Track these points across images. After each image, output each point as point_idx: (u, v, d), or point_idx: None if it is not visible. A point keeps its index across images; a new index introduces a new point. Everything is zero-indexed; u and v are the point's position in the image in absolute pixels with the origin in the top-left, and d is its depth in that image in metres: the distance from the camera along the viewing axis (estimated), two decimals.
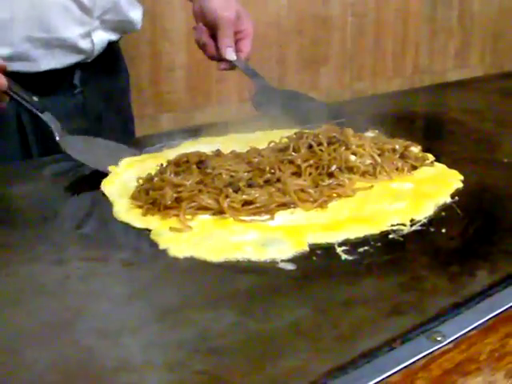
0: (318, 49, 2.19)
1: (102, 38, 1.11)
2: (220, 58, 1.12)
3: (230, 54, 1.11)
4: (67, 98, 1.07)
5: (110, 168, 0.87)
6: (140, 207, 0.74)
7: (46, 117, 0.93)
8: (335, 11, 2.20)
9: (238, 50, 1.12)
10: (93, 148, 0.95)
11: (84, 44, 1.07)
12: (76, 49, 1.06)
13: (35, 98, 0.93)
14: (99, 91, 1.14)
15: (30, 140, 1.06)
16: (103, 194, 0.81)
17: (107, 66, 1.17)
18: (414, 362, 0.48)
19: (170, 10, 1.75)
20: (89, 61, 1.10)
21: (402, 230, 0.69)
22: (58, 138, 0.91)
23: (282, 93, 1.19)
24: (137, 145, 0.99)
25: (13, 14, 0.91)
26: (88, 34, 1.07)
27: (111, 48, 1.16)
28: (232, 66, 1.13)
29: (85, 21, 1.06)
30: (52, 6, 1.00)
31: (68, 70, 1.08)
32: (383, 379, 0.46)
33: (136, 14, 1.16)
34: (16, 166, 0.98)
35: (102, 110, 1.16)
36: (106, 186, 0.83)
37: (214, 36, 1.12)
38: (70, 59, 1.06)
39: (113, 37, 1.15)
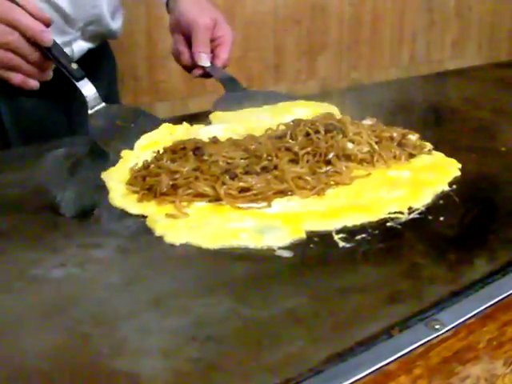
0: (315, 38, 2.19)
1: (81, 47, 1.11)
2: (195, 66, 1.10)
3: (204, 60, 1.09)
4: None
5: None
6: (136, 193, 0.74)
7: (81, 85, 0.92)
8: (332, 0, 2.19)
9: (215, 57, 1.10)
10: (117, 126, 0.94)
11: None
12: None
13: (74, 66, 0.92)
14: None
15: (10, 132, 1.05)
16: (101, 181, 0.80)
17: (86, 68, 1.15)
18: (412, 350, 0.48)
19: None
20: None
21: (399, 218, 0.69)
22: (89, 112, 0.92)
23: (252, 95, 1.10)
24: None
25: None
26: (68, 44, 1.07)
27: (91, 53, 1.15)
28: (207, 72, 1.10)
29: (66, 31, 1.06)
30: None
31: None
32: (381, 367, 0.46)
33: (117, 25, 1.16)
34: (11, 153, 0.97)
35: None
36: (107, 172, 0.82)
37: (190, 44, 1.10)
38: None
39: (93, 45, 1.14)
